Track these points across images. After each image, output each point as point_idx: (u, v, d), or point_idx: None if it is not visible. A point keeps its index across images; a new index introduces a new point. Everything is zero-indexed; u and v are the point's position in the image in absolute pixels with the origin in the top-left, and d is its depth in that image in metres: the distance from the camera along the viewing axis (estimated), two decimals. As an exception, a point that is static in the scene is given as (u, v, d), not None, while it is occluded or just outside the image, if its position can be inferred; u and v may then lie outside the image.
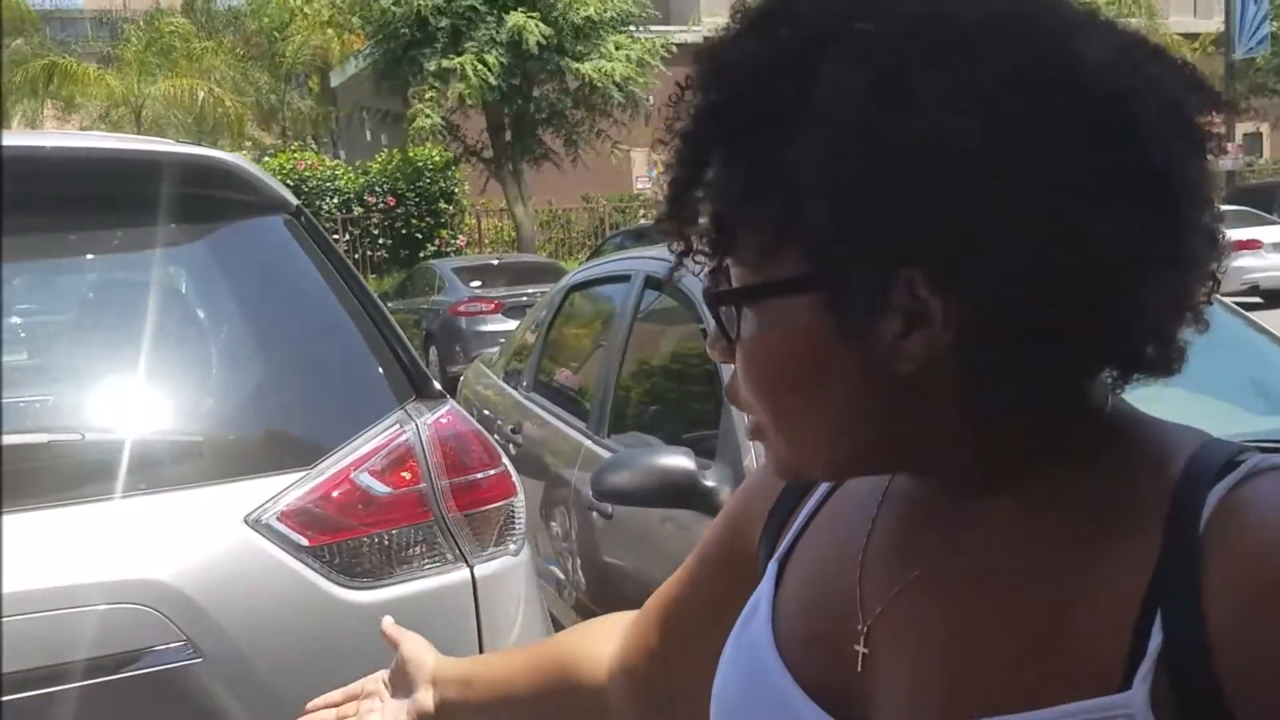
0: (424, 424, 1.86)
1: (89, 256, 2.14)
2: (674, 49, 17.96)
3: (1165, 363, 0.63)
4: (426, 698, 1.03)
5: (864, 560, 0.71)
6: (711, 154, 0.62)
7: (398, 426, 1.86)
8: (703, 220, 0.64)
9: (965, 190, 0.56)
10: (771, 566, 0.78)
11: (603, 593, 3.14)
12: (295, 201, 2.06)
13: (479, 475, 1.89)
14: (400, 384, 1.92)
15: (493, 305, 11.72)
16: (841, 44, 0.58)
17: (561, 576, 3.40)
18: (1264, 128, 29.93)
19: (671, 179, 0.65)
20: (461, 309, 11.87)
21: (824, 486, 0.79)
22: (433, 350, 12.29)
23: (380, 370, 1.93)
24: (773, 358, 0.64)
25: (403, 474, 1.80)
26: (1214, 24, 24.70)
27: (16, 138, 2.10)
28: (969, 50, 0.56)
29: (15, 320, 2.39)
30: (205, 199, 1.95)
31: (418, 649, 1.06)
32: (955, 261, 0.57)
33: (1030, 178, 0.56)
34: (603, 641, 0.98)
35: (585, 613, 3.24)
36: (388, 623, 1.11)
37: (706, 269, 0.66)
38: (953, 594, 0.64)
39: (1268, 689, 0.53)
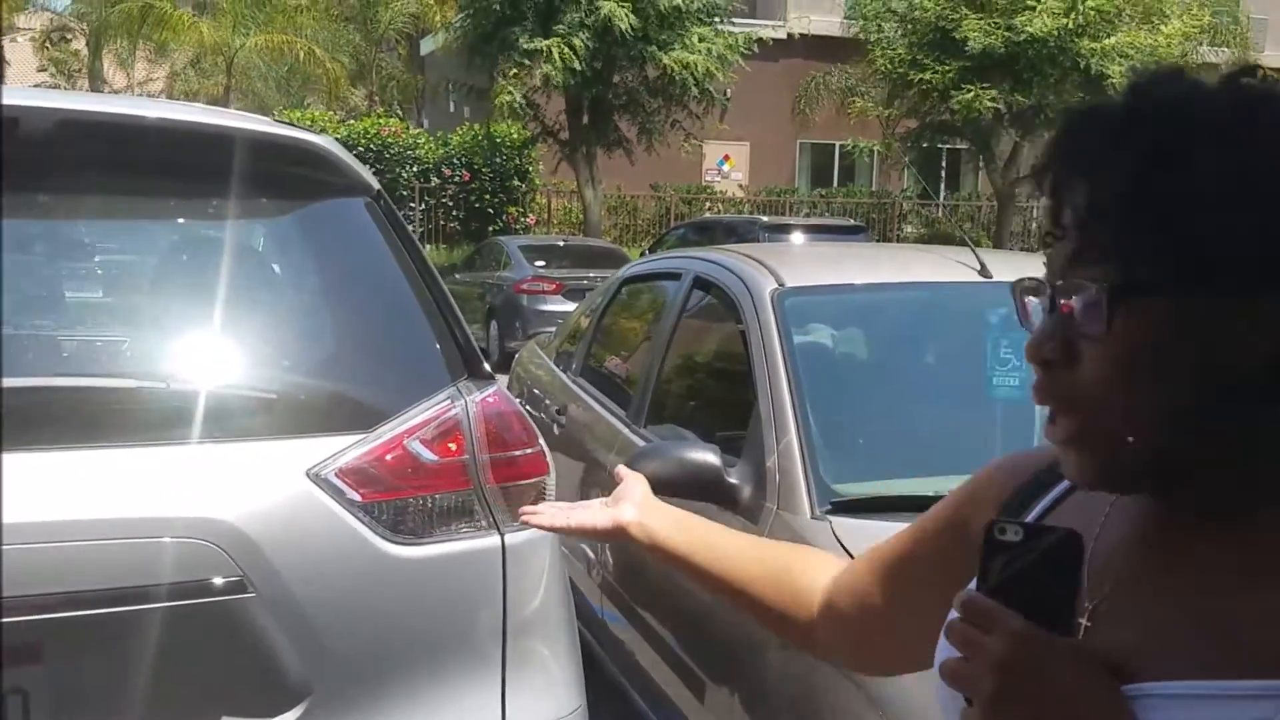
0: (472, 401, 2.03)
1: (182, 220, 2.34)
2: (756, 46, 17.92)
3: None
4: (628, 511, 1.23)
5: (1093, 551, 0.83)
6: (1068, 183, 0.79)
7: (449, 401, 2.02)
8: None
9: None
10: None
11: (627, 575, 3.28)
12: (377, 186, 2.23)
13: (517, 453, 2.05)
14: (455, 363, 2.08)
15: (554, 286, 11.89)
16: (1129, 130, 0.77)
17: (591, 556, 3.55)
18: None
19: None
20: (524, 287, 12.06)
21: (1063, 485, 0.91)
22: (494, 325, 12.50)
23: (438, 349, 2.09)
24: (1160, 352, 0.76)
25: (449, 445, 1.97)
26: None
27: (121, 103, 2.30)
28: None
29: (97, 259, 2.59)
30: (298, 178, 2.13)
31: (635, 482, 1.27)
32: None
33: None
34: (821, 570, 1.16)
35: (610, 593, 3.39)
36: (620, 466, 1.32)
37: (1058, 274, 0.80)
38: (1168, 590, 0.79)
39: None
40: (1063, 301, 0.79)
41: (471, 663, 2.02)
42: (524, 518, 1.25)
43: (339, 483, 1.90)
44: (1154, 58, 16.57)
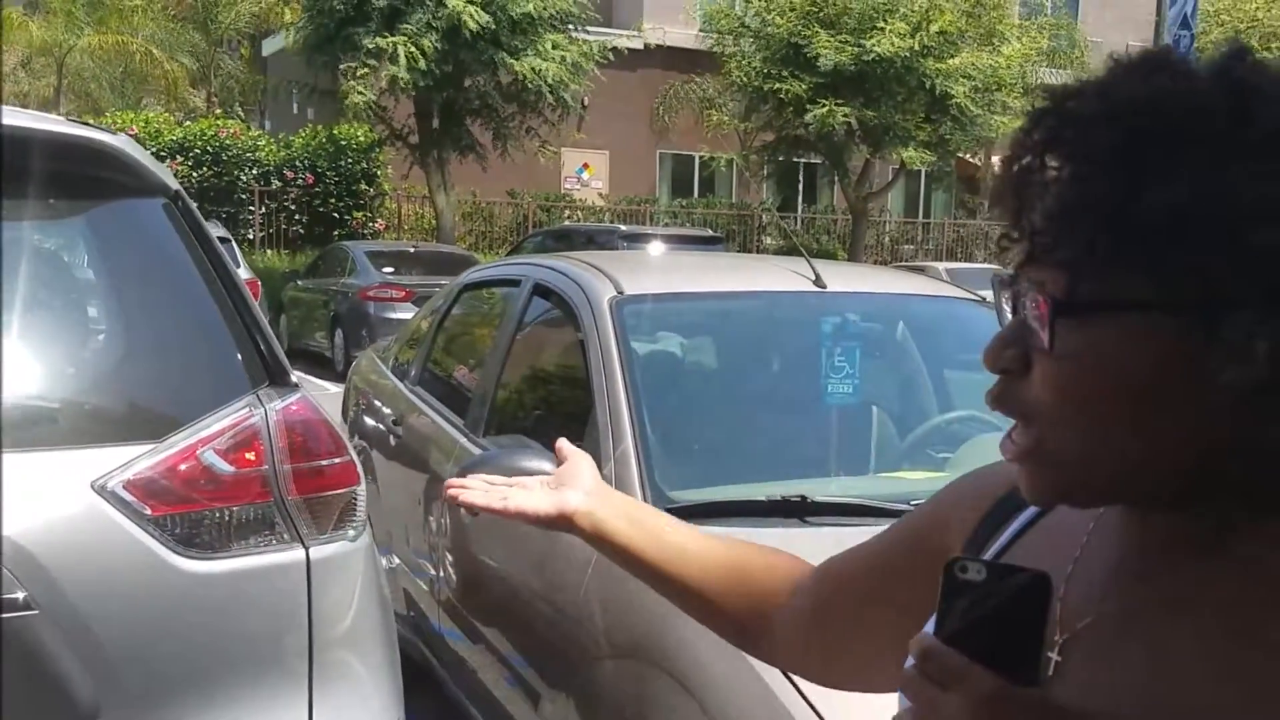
0: (273, 409, 1.96)
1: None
2: (611, 55, 17.99)
3: None
4: (575, 498, 1.11)
5: (1069, 578, 0.76)
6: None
7: (248, 410, 1.95)
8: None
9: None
10: None
11: (469, 591, 3.21)
12: (175, 187, 2.14)
13: (324, 463, 1.99)
14: (256, 370, 2.02)
15: (403, 293, 11.70)
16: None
17: (433, 573, 3.47)
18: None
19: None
20: (371, 294, 11.84)
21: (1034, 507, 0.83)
22: (339, 333, 12.22)
23: (238, 355, 2.02)
24: (1106, 374, 0.67)
25: (247, 455, 1.90)
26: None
27: None
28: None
29: None
30: (88, 178, 2.04)
31: (581, 463, 1.16)
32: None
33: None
34: (787, 573, 1.06)
35: (450, 610, 3.31)
36: (562, 441, 1.20)
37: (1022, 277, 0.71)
38: (1153, 628, 0.70)
39: None
40: (1019, 306, 0.71)
41: (276, 679, 1.96)
42: (450, 492, 1.14)
43: (126, 495, 1.83)
44: (994, 78, 17.34)
